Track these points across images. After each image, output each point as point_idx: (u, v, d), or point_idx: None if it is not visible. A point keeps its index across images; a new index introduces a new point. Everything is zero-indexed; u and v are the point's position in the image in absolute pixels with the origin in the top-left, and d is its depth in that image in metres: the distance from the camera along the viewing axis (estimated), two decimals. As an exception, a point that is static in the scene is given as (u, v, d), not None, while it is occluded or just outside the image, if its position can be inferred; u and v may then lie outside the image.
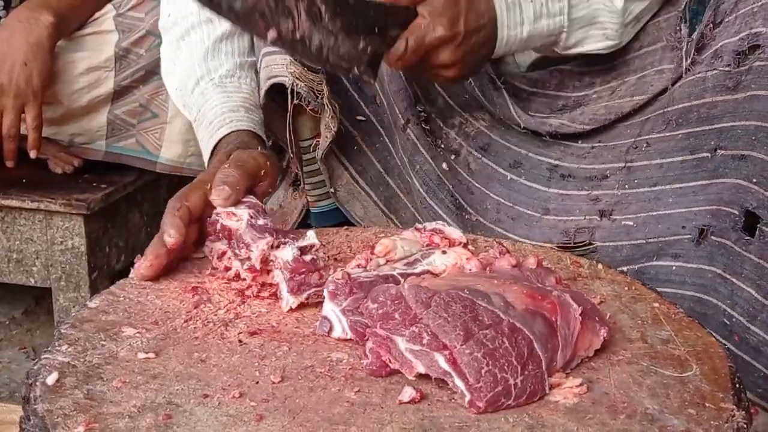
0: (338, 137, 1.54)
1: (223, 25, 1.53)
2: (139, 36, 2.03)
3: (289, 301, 1.09)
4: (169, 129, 2.08)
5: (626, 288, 1.17)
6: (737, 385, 0.96)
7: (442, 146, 1.56)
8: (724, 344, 1.29)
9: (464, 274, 1.09)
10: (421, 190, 1.55)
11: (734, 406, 0.92)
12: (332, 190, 1.58)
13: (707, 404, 0.92)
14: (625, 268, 1.38)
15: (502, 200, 1.53)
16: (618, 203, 1.44)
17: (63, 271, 2.02)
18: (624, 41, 1.49)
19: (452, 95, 1.57)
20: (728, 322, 1.27)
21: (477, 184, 1.55)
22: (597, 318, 1.01)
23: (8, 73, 1.90)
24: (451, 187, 1.54)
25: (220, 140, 1.42)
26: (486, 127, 1.57)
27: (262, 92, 1.52)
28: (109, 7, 2.06)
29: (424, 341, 0.93)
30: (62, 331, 1.02)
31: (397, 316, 0.96)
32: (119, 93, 2.06)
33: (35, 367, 0.95)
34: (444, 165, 1.52)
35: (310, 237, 1.14)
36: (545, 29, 1.42)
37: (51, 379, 0.92)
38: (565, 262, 1.25)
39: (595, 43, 1.47)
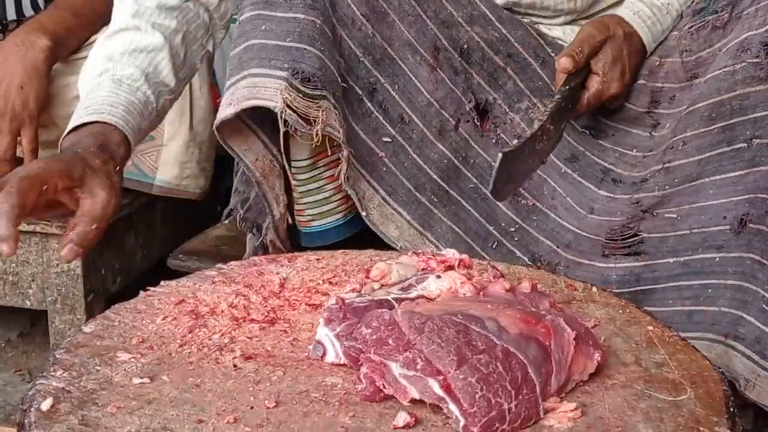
0: (363, 160, 1.54)
1: (146, 39, 1.54)
2: (135, 59, 2.03)
3: None
4: (165, 151, 2.08)
5: (620, 311, 1.17)
6: (732, 409, 0.96)
7: (502, 134, 1.62)
8: (764, 330, 1.35)
9: (458, 298, 1.09)
10: (476, 181, 1.60)
11: (729, 430, 0.92)
12: (364, 213, 1.57)
13: (702, 428, 0.92)
14: (671, 260, 1.46)
15: (558, 188, 1.61)
16: (659, 202, 1.49)
17: (59, 294, 2.01)
18: None
19: (524, 79, 1.65)
20: (767, 308, 1.31)
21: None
22: (591, 342, 1.01)
23: (4, 96, 1.91)
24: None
25: (87, 123, 1.41)
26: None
27: (232, 110, 1.44)
28: (105, 30, 2.07)
29: (418, 366, 0.93)
30: (57, 356, 1.02)
31: (390, 341, 0.96)
32: (115, 116, 2.06)
33: (30, 393, 0.95)
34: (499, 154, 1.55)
35: None
36: (669, 27, 1.64)
37: (46, 405, 0.92)
38: (559, 285, 1.25)
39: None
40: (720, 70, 1.42)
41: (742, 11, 1.44)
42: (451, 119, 1.57)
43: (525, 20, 1.69)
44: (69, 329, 2.02)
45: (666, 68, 1.62)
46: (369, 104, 1.54)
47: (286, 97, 1.38)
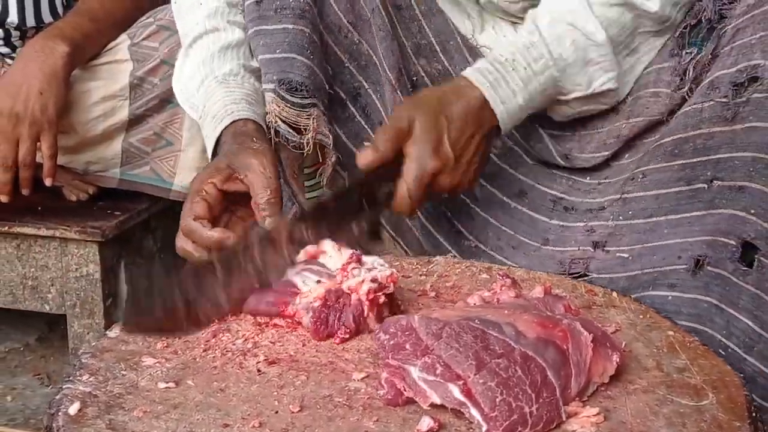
0: (344, 164, 1.54)
1: (228, 36, 1.53)
2: (154, 65, 2.05)
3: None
4: (183, 157, 2.09)
5: (641, 316, 1.18)
6: (754, 414, 0.97)
7: None
8: None
9: (473, 305, 1.10)
10: (420, 215, 1.55)
11: (751, 435, 0.93)
12: None
13: (724, 433, 0.93)
14: None
15: (504, 228, 1.54)
16: (612, 234, 1.44)
17: (78, 298, 2.03)
18: (625, 72, 1.49)
19: None
20: (724, 353, 1.26)
21: (479, 210, 1.56)
22: (608, 344, 1.02)
23: (24, 101, 1.92)
24: (450, 213, 1.55)
25: (223, 131, 1.41)
26: (496, 155, 1.57)
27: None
28: (123, 36, 2.08)
29: (438, 372, 0.94)
30: (83, 360, 1.04)
31: (408, 346, 0.97)
32: (134, 121, 2.07)
33: (57, 397, 0.96)
34: (476, 180, 1.50)
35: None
36: (539, 87, 1.44)
37: (73, 409, 0.93)
38: (579, 290, 1.26)
39: (597, 79, 1.47)
40: (689, 107, 1.37)
41: (721, 49, 1.38)
42: None
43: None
44: (88, 333, 2.03)
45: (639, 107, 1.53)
46: (352, 108, 1.56)
47: (274, 109, 1.41)
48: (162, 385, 0.99)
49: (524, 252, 1.51)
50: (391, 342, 0.99)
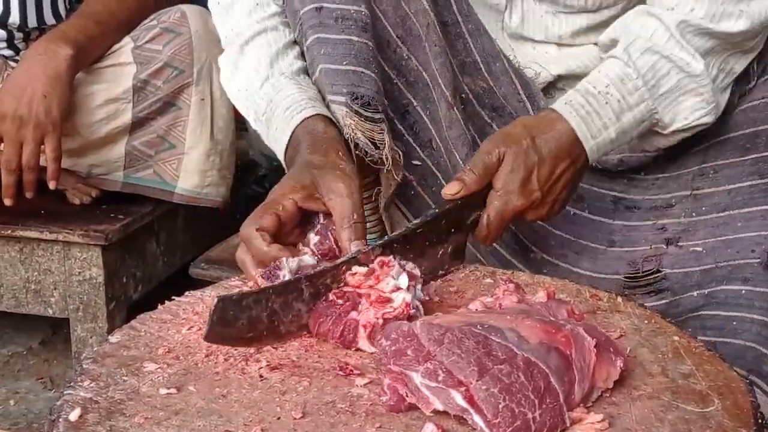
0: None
1: (288, 36, 1.48)
2: (157, 68, 2.05)
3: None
4: (186, 159, 2.09)
5: (646, 321, 1.17)
6: (760, 421, 0.96)
7: None
8: None
9: (475, 311, 1.09)
10: None
11: (757, 442, 0.92)
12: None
13: (730, 440, 0.92)
14: (695, 293, 1.39)
15: (566, 235, 1.52)
16: (685, 231, 1.44)
17: (81, 302, 2.03)
18: (722, 104, 1.46)
19: None
20: None
21: (540, 222, 1.52)
22: (612, 349, 1.01)
23: (28, 105, 1.92)
24: (513, 227, 1.52)
25: (297, 126, 1.36)
26: None
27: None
28: (127, 39, 2.08)
29: (440, 378, 0.93)
30: (84, 366, 1.03)
31: (409, 352, 0.97)
32: (137, 124, 2.08)
33: (58, 403, 0.96)
34: (561, 210, 1.47)
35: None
36: (634, 121, 1.41)
37: (74, 415, 0.93)
38: (584, 295, 1.25)
39: (696, 111, 1.43)
40: (758, 101, 1.39)
41: None
42: (461, 162, 1.50)
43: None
44: (91, 337, 2.03)
45: None
46: (400, 126, 1.51)
47: (350, 123, 1.36)
48: (163, 390, 0.98)
49: (590, 256, 1.49)
50: (393, 348, 0.98)
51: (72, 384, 0.99)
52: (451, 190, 1.30)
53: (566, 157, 1.37)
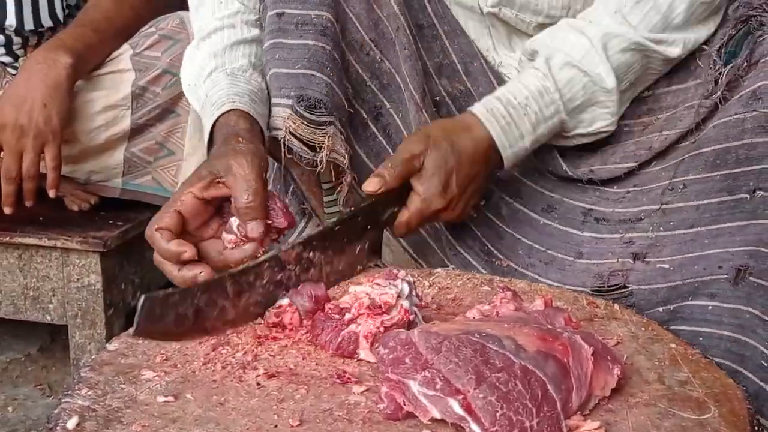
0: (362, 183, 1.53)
1: (244, 33, 1.51)
2: (156, 74, 2.05)
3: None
4: (185, 166, 2.09)
5: (643, 329, 1.17)
6: (756, 428, 0.96)
7: None
8: (762, 387, 1.29)
9: (472, 319, 1.10)
10: (450, 238, 1.55)
11: (753, 450, 0.92)
12: None
13: (726, 448, 0.92)
14: (661, 309, 1.39)
15: (534, 244, 1.54)
16: (652, 245, 1.43)
17: (79, 309, 2.02)
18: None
19: None
20: (766, 364, 1.27)
21: (508, 229, 1.55)
22: (609, 357, 1.01)
23: (28, 113, 1.92)
24: (479, 233, 1.54)
25: (215, 123, 1.38)
26: (519, 173, 1.57)
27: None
28: (125, 46, 2.08)
29: (438, 386, 0.93)
30: (82, 374, 1.03)
31: (407, 360, 0.97)
32: (136, 131, 2.07)
33: (56, 411, 0.96)
34: (472, 212, 1.52)
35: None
36: (546, 131, 1.47)
37: (71, 424, 0.93)
38: (581, 302, 1.25)
39: (600, 121, 1.50)
40: (730, 116, 1.37)
41: (760, 58, 1.38)
42: None
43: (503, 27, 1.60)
44: (89, 344, 2.03)
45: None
46: (373, 128, 1.54)
47: (290, 125, 1.40)
48: (161, 398, 0.98)
49: (558, 267, 1.50)
50: (391, 356, 0.98)
51: (70, 392, 0.99)
52: (371, 186, 1.36)
53: (483, 161, 1.44)
